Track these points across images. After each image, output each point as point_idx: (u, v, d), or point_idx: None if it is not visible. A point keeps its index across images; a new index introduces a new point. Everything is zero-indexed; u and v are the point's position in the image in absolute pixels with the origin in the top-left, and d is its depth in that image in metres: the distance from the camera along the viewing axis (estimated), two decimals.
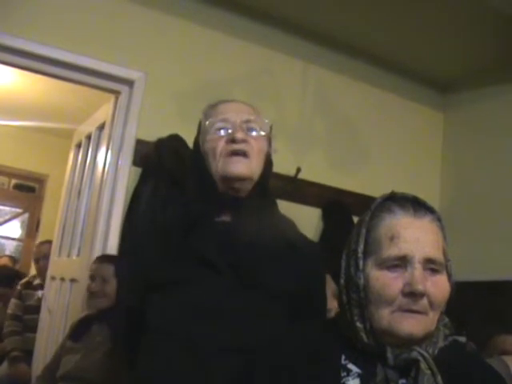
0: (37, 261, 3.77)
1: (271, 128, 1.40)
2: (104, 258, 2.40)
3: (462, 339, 2.32)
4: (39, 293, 3.52)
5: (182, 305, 1.22)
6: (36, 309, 3.52)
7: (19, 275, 4.13)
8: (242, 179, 1.31)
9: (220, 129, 1.33)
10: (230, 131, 1.31)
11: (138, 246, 1.44)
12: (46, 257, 3.66)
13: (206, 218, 1.31)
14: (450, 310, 1.05)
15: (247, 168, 1.31)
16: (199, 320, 1.20)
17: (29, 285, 3.69)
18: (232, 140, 1.30)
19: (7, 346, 3.48)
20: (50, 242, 3.92)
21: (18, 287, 3.71)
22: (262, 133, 1.36)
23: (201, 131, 1.38)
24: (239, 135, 1.30)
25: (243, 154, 1.31)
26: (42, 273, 3.65)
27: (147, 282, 1.27)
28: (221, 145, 1.31)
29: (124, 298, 1.44)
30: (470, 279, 2.86)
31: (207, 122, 1.34)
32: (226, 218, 1.32)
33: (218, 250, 1.25)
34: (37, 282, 3.69)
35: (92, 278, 2.32)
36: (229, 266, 1.24)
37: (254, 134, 1.34)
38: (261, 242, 1.27)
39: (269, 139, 1.40)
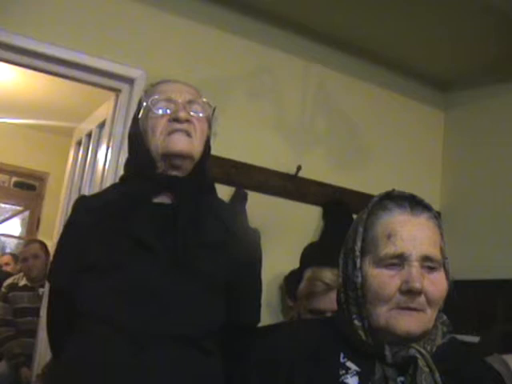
0: (25, 259, 3.65)
1: (214, 110, 1.38)
2: None
3: (473, 339, 2.31)
4: (40, 291, 3.50)
5: (117, 288, 1.18)
6: (28, 311, 3.49)
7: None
8: (183, 156, 1.29)
9: (163, 108, 1.31)
10: (172, 110, 1.30)
11: (71, 226, 1.34)
12: (35, 256, 3.62)
13: (143, 199, 1.28)
14: (449, 309, 1.05)
15: (189, 145, 1.29)
16: (133, 305, 1.17)
17: (15, 287, 3.61)
18: (175, 119, 1.29)
19: (8, 351, 3.47)
20: (38, 241, 3.89)
21: (3, 289, 3.63)
22: (203, 114, 1.34)
23: (141, 109, 1.35)
24: (182, 114, 1.29)
25: (185, 133, 1.29)
26: (30, 272, 3.59)
27: (80, 264, 1.23)
28: (162, 123, 1.29)
29: (55, 279, 1.35)
30: (470, 278, 2.86)
31: (150, 100, 1.32)
32: (164, 199, 1.30)
33: (157, 233, 1.23)
34: (23, 283, 3.61)
35: None
36: (167, 249, 1.21)
37: (197, 114, 1.33)
38: (201, 227, 1.26)
39: (209, 122, 1.39)
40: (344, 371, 0.98)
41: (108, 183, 2.57)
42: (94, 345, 1.16)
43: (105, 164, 2.65)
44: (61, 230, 1.40)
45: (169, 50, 2.69)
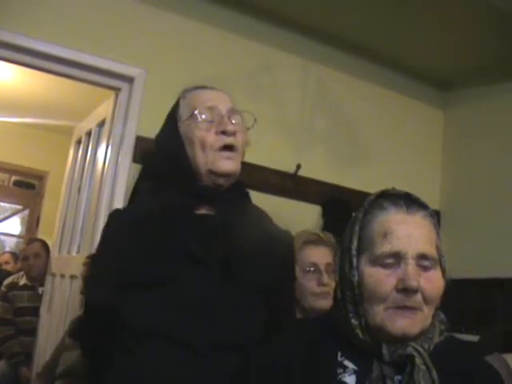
0: (26, 258, 3.65)
1: (255, 120, 1.37)
2: None
3: (473, 338, 2.31)
4: (40, 290, 3.50)
5: (175, 302, 1.18)
6: (28, 310, 3.49)
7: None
8: (229, 176, 1.30)
9: (207, 118, 1.30)
10: (216, 121, 1.29)
11: (110, 242, 1.32)
12: (36, 255, 3.62)
13: (186, 211, 1.27)
14: (448, 307, 1.05)
15: (236, 165, 1.30)
16: (192, 317, 1.18)
17: (15, 286, 3.61)
18: (223, 132, 1.28)
19: (7, 350, 3.47)
20: (39, 240, 3.89)
21: (3, 289, 3.63)
22: (244, 124, 1.34)
23: (180, 114, 1.34)
24: (230, 127, 1.29)
25: (233, 149, 1.29)
26: (30, 271, 3.60)
27: (126, 280, 1.21)
28: (211, 136, 1.28)
29: (96, 296, 1.31)
30: (470, 277, 2.86)
31: (196, 111, 1.30)
32: (205, 210, 1.29)
33: (206, 246, 1.23)
34: (23, 282, 3.61)
35: None
36: (218, 261, 1.22)
37: (239, 125, 1.33)
38: (246, 236, 1.26)
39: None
40: (342, 370, 0.98)
41: (108, 182, 2.57)
42: (155, 359, 1.16)
43: (104, 162, 2.65)
44: (97, 246, 1.40)
45: (168, 49, 2.69)
